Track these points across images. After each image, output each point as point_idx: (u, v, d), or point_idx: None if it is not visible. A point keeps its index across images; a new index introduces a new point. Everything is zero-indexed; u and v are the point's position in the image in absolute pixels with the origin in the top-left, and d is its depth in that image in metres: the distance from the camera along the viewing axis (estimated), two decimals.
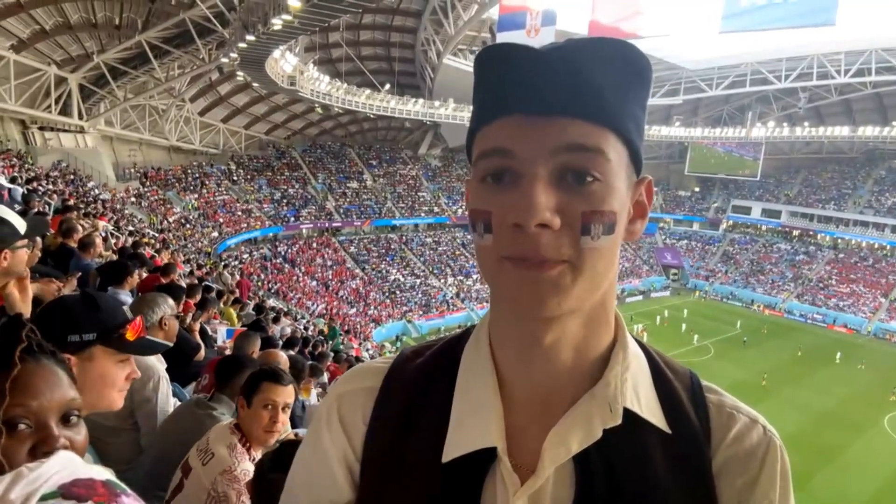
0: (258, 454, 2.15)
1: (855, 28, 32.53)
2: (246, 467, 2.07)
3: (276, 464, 1.77)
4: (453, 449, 0.66)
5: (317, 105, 32.90)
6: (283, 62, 26.64)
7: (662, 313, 39.16)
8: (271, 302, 22.48)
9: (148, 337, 1.62)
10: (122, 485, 0.48)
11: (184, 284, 6.26)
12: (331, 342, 13.34)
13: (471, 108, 0.66)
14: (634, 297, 45.24)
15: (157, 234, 18.99)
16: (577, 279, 0.58)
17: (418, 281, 39.14)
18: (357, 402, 0.73)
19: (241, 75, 26.55)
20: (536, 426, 0.66)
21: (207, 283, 10.26)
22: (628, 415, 0.64)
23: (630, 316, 38.22)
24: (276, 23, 17.05)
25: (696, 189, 57.02)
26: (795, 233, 50.39)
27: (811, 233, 49.43)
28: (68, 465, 0.47)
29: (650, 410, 0.66)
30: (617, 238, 0.60)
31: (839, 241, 47.60)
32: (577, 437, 0.63)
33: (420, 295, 37.91)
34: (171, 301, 3.19)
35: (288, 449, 1.81)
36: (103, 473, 0.49)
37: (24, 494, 0.43)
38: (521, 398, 0.68)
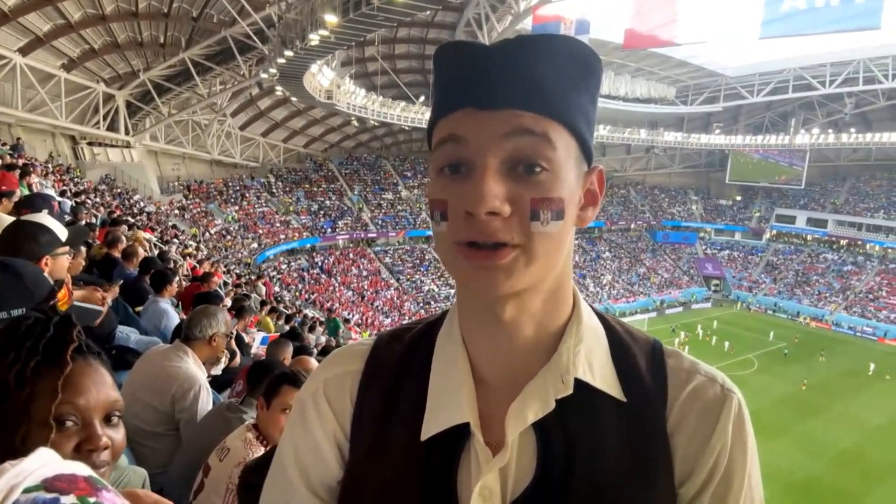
0: None
1: None
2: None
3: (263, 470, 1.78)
4: (430, 427, 0.69)
5: (353, 118, 33.39)
6: (321, 77, 27.15)
7: (711, 325, 38.23)
8: (308, 312, 22.77)
9: (77, 304, 1.43)
10: (103, 481, 0.49)
11: (223, 294, 6.42)
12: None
13: None
14: (674, 308, 44.32)
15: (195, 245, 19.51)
16: (530, 262, 0.62)
17: (453, 291, 39.01)
18: (344, 384, 0.77)
19: (279, 90, 27.15)
20: (505, 403, 0.68)
21: (245, 292, 10.48)
22: (582, 385, 0.67)
23: (672, 328, 37.46)
24: (314, 38, 17.40)
25: (738, 198, 55.63)
26: (843, 242, 48.55)
27: (859, 242, 47.55)
28: (49, 460, 0.49)
29: (603, 380, 0.69)
30: (567, 224, 0.64)
31: (889, 250, 45.61)
32: (533, 408, 0.66)
33: None
34: (228, 318, 3.20)
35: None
36: (85, 469, 0.50)
37: (7, 487, 0.44)
38: (490, 377, 0.71)
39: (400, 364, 0.77)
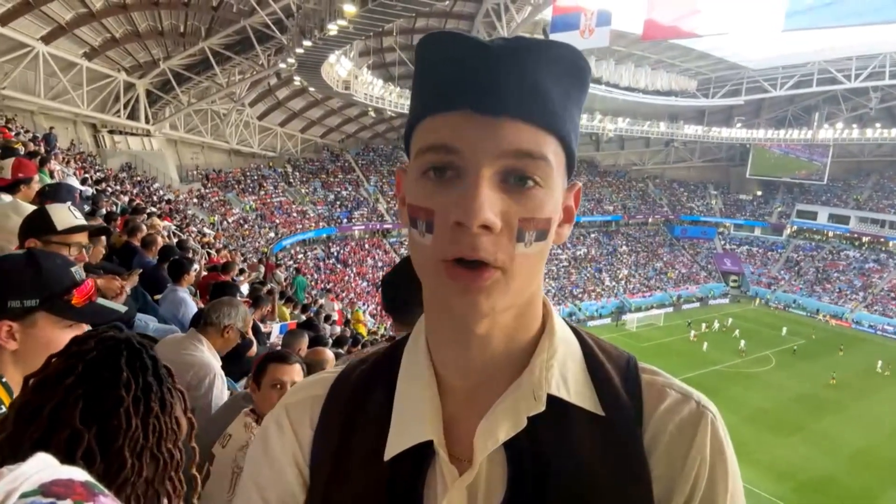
0: None
1: None
2: None
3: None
4: (393, 446, 0.67)
5: (370, 109, 33.36)
6: (339, 67, 27.13)
7: (725, 321, 37.91)
8: (323, 302, 22.92)
9: (100, 302, 1.44)
10: (100, 486, 0.50)
11: (237, 283, 6.47)
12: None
13: None
14: (691, 303, 43.90)
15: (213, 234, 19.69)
16: (509, 285, 0.59)
17: None
18: (304, 409, 0.75)
19: (297, 80, 27.20)
20: (473, 418, 0.67)
21: (261, 280, 10.55)
22: (555, 401, 0.65)
23: (688, 322, 37.21)
24: (332, 28, 17.41)
25: (759, 193, 54.79)
26: (865, 239, 47.56)
27: (882, 239, 46.54)
28: (47, 465, 0.49)
29: (579, 394, 0.66)
30: (548, 243, 0.62)
31: None
32: (504, 426, 0.64)
33: None
34: (246, 312, 3.12)
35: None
36: (82, 475, 0.50)
37: (4, 492, 0.44)
38: (457, 391, 0.69)
39: (363, 383, 0.75)
